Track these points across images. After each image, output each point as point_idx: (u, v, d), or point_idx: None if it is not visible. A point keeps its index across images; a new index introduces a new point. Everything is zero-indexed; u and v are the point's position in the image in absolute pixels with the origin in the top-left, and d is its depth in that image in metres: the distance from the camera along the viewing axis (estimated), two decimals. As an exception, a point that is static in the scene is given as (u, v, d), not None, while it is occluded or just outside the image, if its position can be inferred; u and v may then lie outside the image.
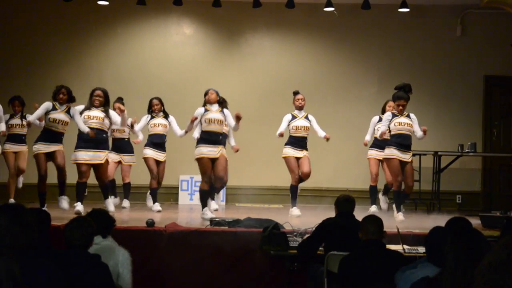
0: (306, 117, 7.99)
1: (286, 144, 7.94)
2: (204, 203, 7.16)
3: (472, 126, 9.96)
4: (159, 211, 7.83)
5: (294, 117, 7.97)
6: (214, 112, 7.21)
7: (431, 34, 10.08)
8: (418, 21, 10.04)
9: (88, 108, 7.24)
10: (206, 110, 7.23)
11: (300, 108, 7.97)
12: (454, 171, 9.43)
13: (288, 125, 7.94)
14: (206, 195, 7.20)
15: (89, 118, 7.17)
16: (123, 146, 8.37)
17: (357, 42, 10.08)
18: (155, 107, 8.16)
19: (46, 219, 3.75)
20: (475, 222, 5.94)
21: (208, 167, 7.08)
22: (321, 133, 8.02)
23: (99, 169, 7.23)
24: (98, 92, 7.28)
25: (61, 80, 8.69)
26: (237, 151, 8.16)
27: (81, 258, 3.43)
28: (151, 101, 8.22)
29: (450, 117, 9.95)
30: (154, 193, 8.08)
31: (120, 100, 8.40)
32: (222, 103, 7.36)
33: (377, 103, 9.16)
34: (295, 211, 7.74)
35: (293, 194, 7.89)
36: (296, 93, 8.08)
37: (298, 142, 7.91)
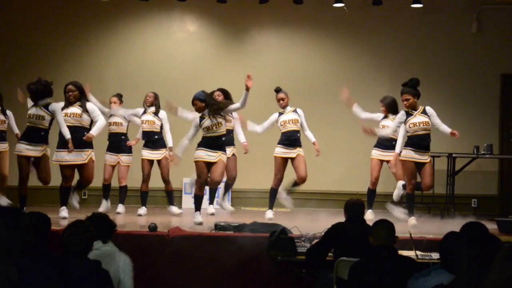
0: (294, 111, 7.94)
1: (277, 143, 7.93)
2: (196, 207, 7.18)
3: (488, 126, 9.92)
4: (139, 215, 7.86)
5: (280, 114, 7.97)
6: (208, 118, 7.13)
7: (445, 30, 10.05)
8: (431, 17, 10.01)
9: (65, 106, 7.18)
10: (202, 118, 7.17)
11: (284, 108, 7.94)
12: (469, 174, 9.40)
13: (277, 122, 7.93)
14: (199, 200, 7.21)
15: (66, 115, 7.10)
16: (120, 144, 8.25)
17: (368, 39, 10.06)
18: (146, 99, 8.15)
19: (46, 223, 3.76)
20: (491, 227, 5.90)
21: (203, 171, 7.09)
22: (311, 137, 7.95)
23: (83, 169, 7.17)
24: (69, 87, 7.19)
25: (60, 79, 8.71)
26: (246, 152, 8.16)
27: (80, 264, 3.44)
28: (146, 94, 8.23)
29: (465, 118, 9.92)
30: (143, 196, 8.08)
31: (119, 96, 8.39)
32: (213, 106, 7.17)
33: (388, 102, 9.13)
34: (269, 214, 7.77)
35: (271, 198, 7.92)
36: (276, 91, 8.00)
37: (289, 139, 7.85)
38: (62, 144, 7.09)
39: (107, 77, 9.75)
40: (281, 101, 7.92)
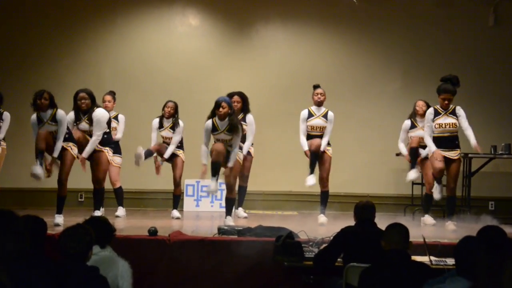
0: (325, 116, 7.87)
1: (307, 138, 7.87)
2: (213, 172, 7.04)
3: (507, 125, 9.88)
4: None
5: (310, 115, 7.88)
6: (221, 132, 7.11)
7: (461, 24, 10.03)
8: (446, 10, 9.99)
9: (77, 118, 7.18)
10: (215, 128, 7.10)
11: (319, 104, 7.89)
12: (487, 175, 9.38)
13: (306, 121, 7.86)
14: (216, 166, 7.04)
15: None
16: (112, 145, 8.32)
17: (379, 33, 10.04)
18: (166, 110, 8.11)
19: (41, 227, 3.75)
20: (509, 231, 5.88)
21: (219, 147, 6.98)
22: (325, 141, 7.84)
23: (97, 165, 7.16)
24: (82, 94, 7.15)
25: (57, 76, 8.79)
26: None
27: (78, 270, 3.43)
28: (167, 102, 8.18)
29: (482, 115, 9.89)
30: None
31: (112, 94, 8.38)
32: (234, 122, 7.13)
33: (401, 99, 9.15)
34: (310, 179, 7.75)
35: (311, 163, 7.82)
36: (315, 86, 7.98)
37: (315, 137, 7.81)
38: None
39: (105, 74, 9.76)
40: (320, 96, 7.83)
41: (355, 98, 9.95)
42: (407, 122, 8.29)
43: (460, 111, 7.51)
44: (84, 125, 7.20)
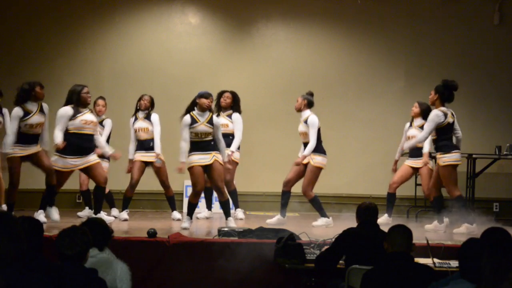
0: (306, 121, 7.66)
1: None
2: (188, 212, 7.20)
3: (511, 125, 9.89)
4: (125, 220, 7.85)
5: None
6: (202, 124, 7.12)
7: (465, 22, 10.03)
8: (450, 8, 9.99)
9: (79, 111, 7.15)
10: (194, 121, 7.13)
11: (298, 111, 7.81)
12: (491, 176, 9.37)
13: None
14: (191, 207, 7.21)
15: (86, 123, 7.18)
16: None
17: (382, 32, 10.05)
18: (142, 102, 8.13)
19: (38, 229, 3.76)
20: (514, 233, 5.89)
21: (198, 179, 7.06)
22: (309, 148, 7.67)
23: (96, 169, 7.21)
24: (89, 94, 7.28)
25: (54, 75, 8.77)
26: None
27: (76, 272, 3.43)
28: (142, 96, 8.21)
29: (487, 115, 9.90)
30: (127, 201, 8.09)
31: (103, 98, 8.37)
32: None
33: (404, 99, 9.13)
34: (273, 219, 7.73)
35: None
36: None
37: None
38: (72, 151, 7.11)
39: (103, 73, 9.77)
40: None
41: (357, 98, 9.95)
42: (407, 124, 8.29)
43: None
44: (91, 116, 7.26)
